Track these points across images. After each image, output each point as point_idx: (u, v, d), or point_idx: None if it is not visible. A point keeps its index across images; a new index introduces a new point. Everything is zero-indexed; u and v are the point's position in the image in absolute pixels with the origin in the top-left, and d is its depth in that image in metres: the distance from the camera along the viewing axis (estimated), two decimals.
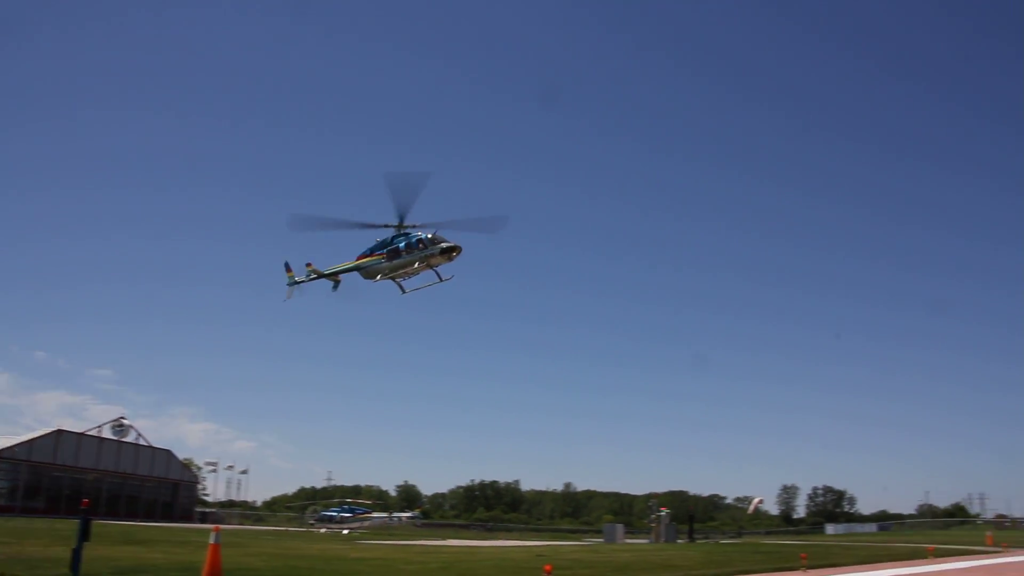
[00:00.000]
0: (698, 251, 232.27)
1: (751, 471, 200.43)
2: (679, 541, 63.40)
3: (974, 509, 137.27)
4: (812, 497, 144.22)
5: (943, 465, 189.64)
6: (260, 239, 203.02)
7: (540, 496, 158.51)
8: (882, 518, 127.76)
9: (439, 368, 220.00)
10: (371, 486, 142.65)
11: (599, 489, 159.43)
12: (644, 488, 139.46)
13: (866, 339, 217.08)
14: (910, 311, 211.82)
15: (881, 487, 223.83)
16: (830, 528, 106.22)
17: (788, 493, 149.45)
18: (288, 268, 43.10)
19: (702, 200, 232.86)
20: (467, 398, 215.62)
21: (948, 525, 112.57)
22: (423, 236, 37.77)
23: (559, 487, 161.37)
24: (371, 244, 39.17)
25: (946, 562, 32.98)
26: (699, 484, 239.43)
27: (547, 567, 19.12)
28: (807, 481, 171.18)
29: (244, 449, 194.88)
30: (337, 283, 41.26)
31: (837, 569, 28.58)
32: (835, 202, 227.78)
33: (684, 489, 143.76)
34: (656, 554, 39.24)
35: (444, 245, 37.40)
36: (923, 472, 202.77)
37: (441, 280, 38.36)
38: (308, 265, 42.06)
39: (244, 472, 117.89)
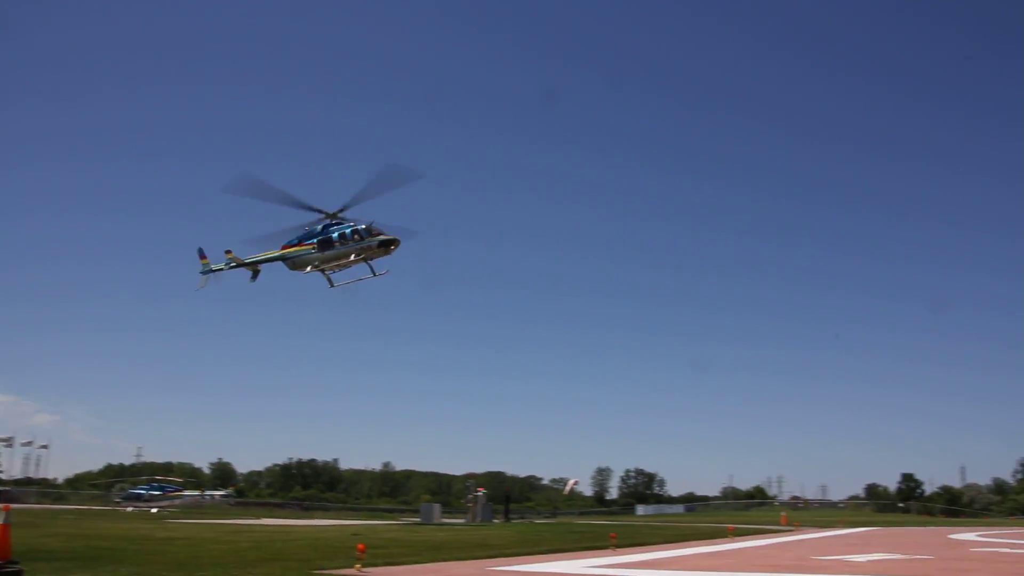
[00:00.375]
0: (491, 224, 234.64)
1: (567, 454, 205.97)
2: (495, 521, 63.91)
3: (772, 491, 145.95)
4: (625, 479, 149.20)
5: (746, 450, 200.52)
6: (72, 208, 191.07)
7: (358, 475, 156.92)
8: (689, 500, 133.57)
9: (257, 343, 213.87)
10: (183, 463, 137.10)
11: (418, 469, 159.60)
12: (463, 468, 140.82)
13: (665, 328, 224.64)
14: (715, 303, 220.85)
15: (689, 470, 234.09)
16: (640, 509, 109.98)
17: (602, 475, 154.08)
18: (202, 255, 40.02)
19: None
20: (285, 375, 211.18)
21: (749, 507, 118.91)
22: (359, 227, 36.03)
23: (378, 466, 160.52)
24: (299, 233, 37.01)
25: (744, 540, 34.55)
26: (517, 465, 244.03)
27: (360, 546, 18.62)
28: (620, 464, 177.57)
29: (46, 423, 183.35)
30: (256, 273, 38.94)
31: (644, 548, 29.34)
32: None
33: (502, 470, 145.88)
34: (471, 533, 39.29)
35: (383, 238, 35.74)
36: (727, 456, 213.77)
37: (375, 275, 36.61)
38: (227, 252, 39.12)
39: (44, 447, 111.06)
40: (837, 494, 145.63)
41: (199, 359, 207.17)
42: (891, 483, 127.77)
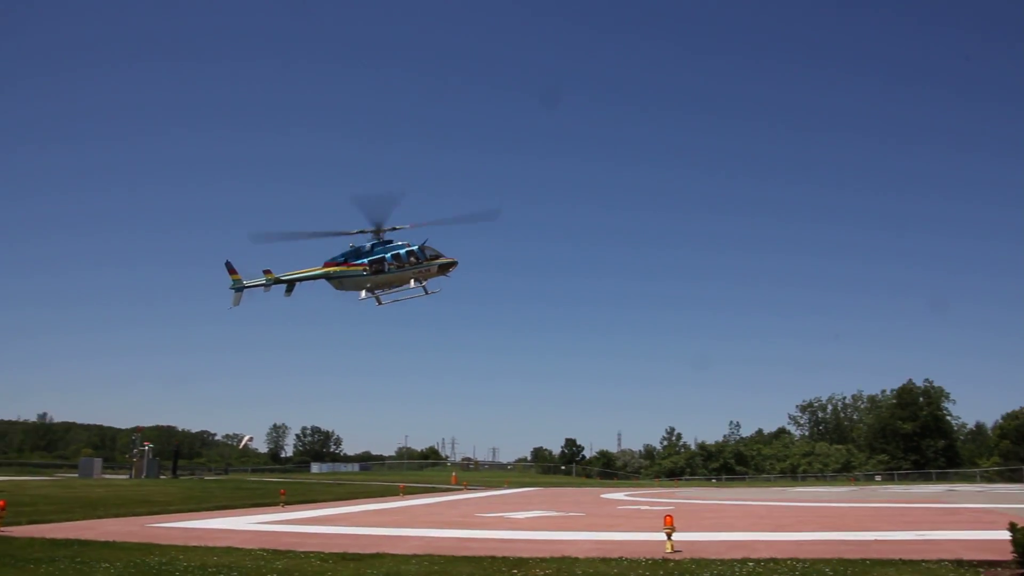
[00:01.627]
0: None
1: (243, 409, 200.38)
2: (162, 477, 61.14)
3: (446, 452, 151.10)
4: (301, 437, 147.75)
5: (421, 412, 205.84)
6: None
7: (9, 427, 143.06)
8: (365, 459, 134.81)
9: None
10: None
11: (79, 421, 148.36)
12: (131, 422, 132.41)
13: None
14: None
15: (365, 430, 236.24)
16: (315, 467, 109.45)
17: (278, 432, 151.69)
18: (231, 269, 34.69)
19: None
20: None
21: (423, 467, 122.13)
22: (414, 248, 34.20)
23: (32, 417, 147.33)
24: (344, 250, 34.66)
25: (413, 499, 35.38)
26: (189, 420, 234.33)
27: (1, 503, 16.95)
28: (297, 421, 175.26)
29: None
30: (292, 287, 34.70)
31: (314, 505, 29.25)
32: None
33: (173, 424, 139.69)
34: (133, 490, 37.37)
35: (442, 261, 34.40)
36: (403, 418, 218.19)
37: (427, 293, 34.72)
38: (267, 272, 34.30)
39: None
40: (506, 456, 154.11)
41: None
42: (556, 447, 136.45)
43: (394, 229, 34.37)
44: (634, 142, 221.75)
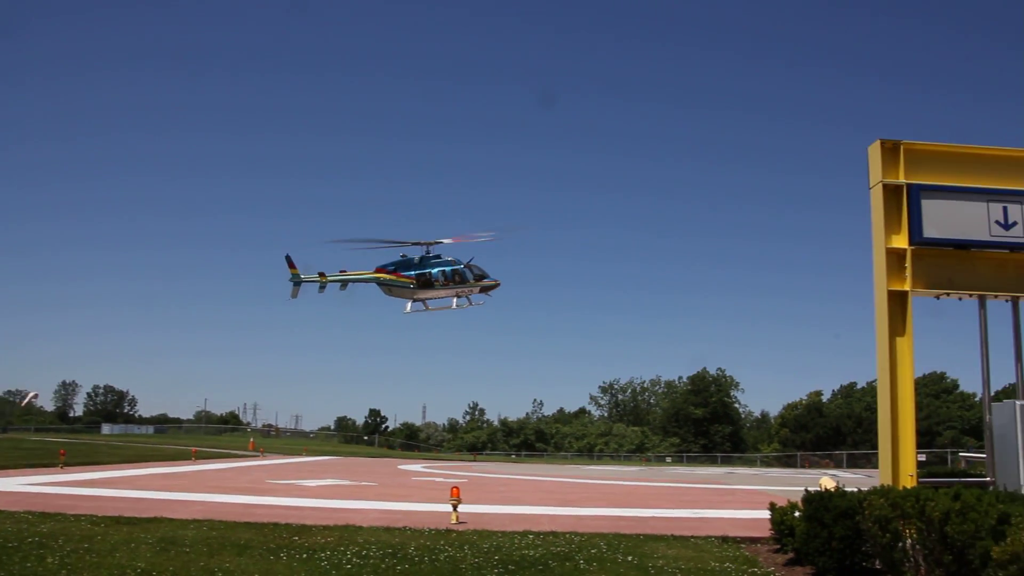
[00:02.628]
0: None
1: (29, 365, 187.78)
2: None
3: (247, 418, 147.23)
4: (92, 396, 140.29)
5: (222, 375, 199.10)
6: None
7: None
8: (161, 421, 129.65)
9: None
10: None
11: None
12: None
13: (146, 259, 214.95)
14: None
15: (163, 392, 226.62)
16: (106, 428, 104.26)
17: (67, 390, 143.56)
18: (291, 263, 36.22)
19: None
20: None
21: (222, 432, 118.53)
22: (459, 267, 35.96)
23: None
24: (394, 258, 36.66)
25: (205, 464, 34.26)
26: None
27: None
28: (88, 379, 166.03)
29: None
30: (345, 286, 36.90)
31: (98, 468, 27.98)
32: None
33: None
34: None
35: (484, 283, 36.25)
36: (203, 381, 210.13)
37: (470, 303, 36.88)
38: (321, 275, 36.02)
39: None
40: (310, 424, 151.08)
41: None
42: (360, 417, 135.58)
43: (439, 243, 36.61)
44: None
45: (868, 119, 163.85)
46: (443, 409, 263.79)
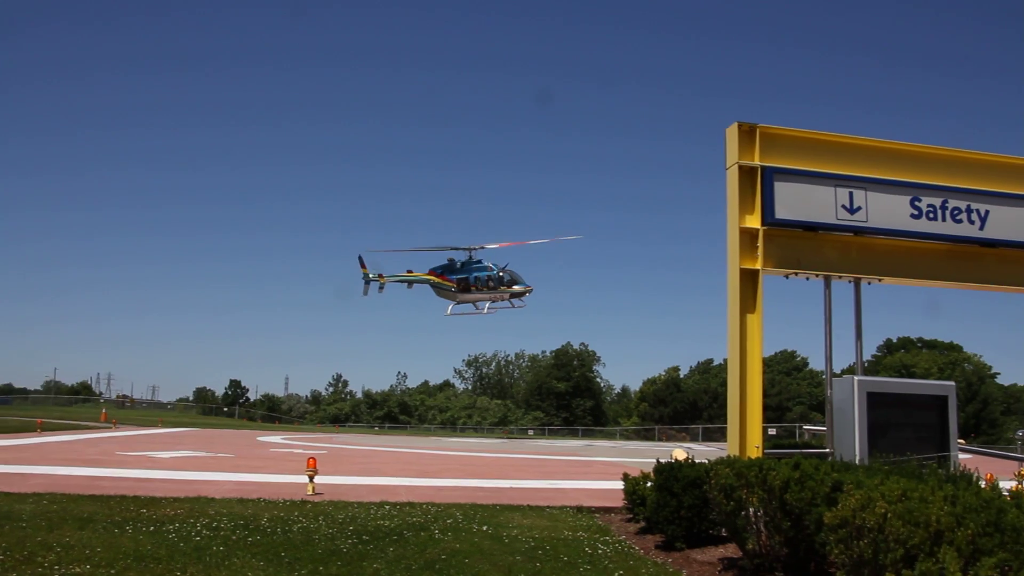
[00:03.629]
0: None
1: None
2: None
3: (100, 388, 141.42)
4: None
5: (73, 345, 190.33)
6: None
7: None
8: (5, 391, 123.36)
9: None
10: None
11: None
12: None
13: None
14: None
15: (8, 361, 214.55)
16: None
17: None
18: (362, 264, 40.53)
19: None
20: None
21: (73, 402, 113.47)
22: (493, 274, 38.01)
23: None
24: (443, 262, 39.48)
25: (51, 435, 32.75)
26: None
27: None
28: None
29: None
30: (411, 285, 40.24)
31: None
32: None
33: None
34: None
35: (514, 289, 38.29)
36: (52, 349, 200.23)
37: (512, 307, 39.48)
38: (380, 277, 40.40)
39: None
40: (167, 396, 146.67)
41: None
42: (220, 389, 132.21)
43: (481, 248, 38.80)
44: None
45: (728, 100, 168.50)
46: (306, 381, 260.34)
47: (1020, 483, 13.27)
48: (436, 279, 39.46)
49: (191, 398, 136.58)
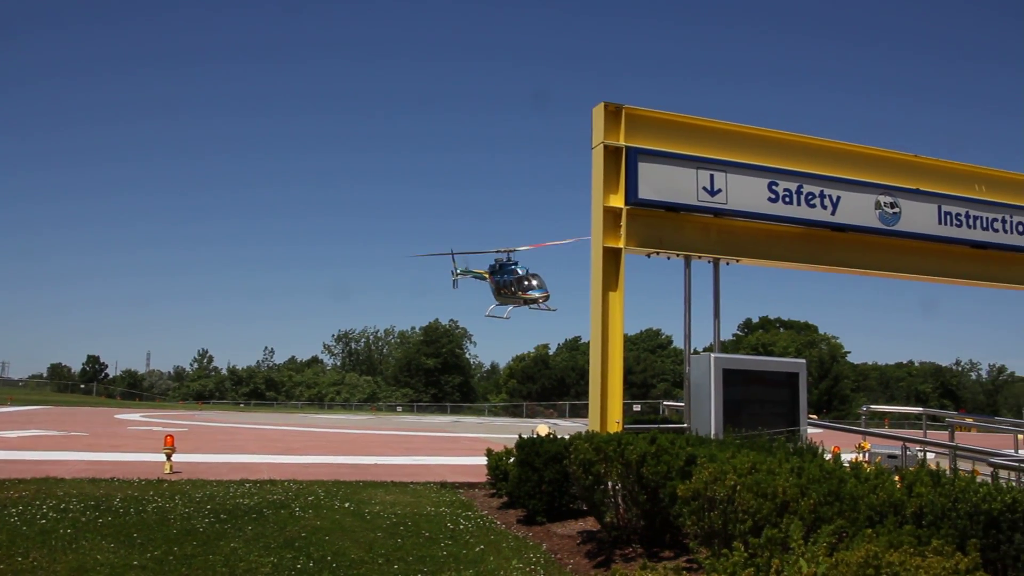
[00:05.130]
0: None
1: None
2: None
3: None
4: None
5: None
6: None
7: None
8: None
9: None
10: None
11: None
12: None
13: None
14: None
15: None
16: None
17: None
18: (454, 260, 42.06)
19: None
20: None
21: None
22: (513, 279, 38.64)
23: None
24: (491, 262, 40.94)
25: None
26: None
27: None
28: None
29: None
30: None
31: None
32: None
33: None
34: None
35: (527, 296, 38.36)
36: None
37: (541, 309, 39.65)
38: (466, 271, 42.28)
39: None
40: (19, 372, 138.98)
41: None
42: (77, 364, 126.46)
43: (515, 250, 39.61)
44: None
45: (596, 80, 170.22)
46: (170, 357, 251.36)
47: (859, 455, 14.03)
48: (487, 278, 40.92)
49: (45, 375, 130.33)
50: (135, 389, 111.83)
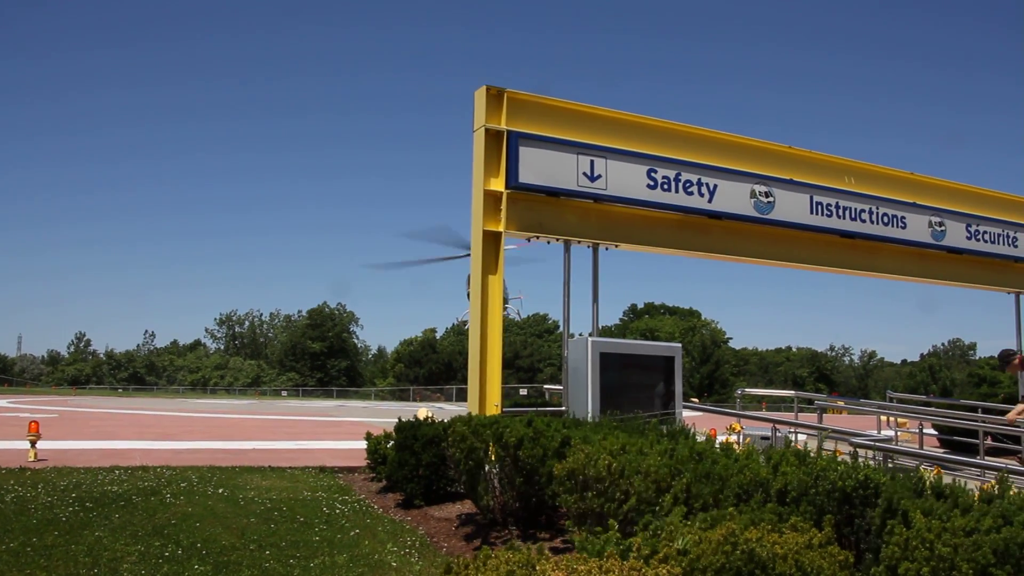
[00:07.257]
0: None
1: None
2: None
3: None
4: None
5: None
6: None
7: None
8: None
9: None
10: None
11: None
12: None
13: None
14: None
15: None
16: None
17: None
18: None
19: None
20: None
21: None
22: None
23: None
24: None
25: None
26: None
27: None
28: None
29: None
30: None
31: None
32: None
33: None
34: None
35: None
36: None
37: None
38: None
39: None
40: None
41: None
42: None
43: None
44: None
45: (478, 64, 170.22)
46: (43, 340, 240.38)
47: (732, 436, 14.49)
48: None
49: None
50: (5, 374, 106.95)
